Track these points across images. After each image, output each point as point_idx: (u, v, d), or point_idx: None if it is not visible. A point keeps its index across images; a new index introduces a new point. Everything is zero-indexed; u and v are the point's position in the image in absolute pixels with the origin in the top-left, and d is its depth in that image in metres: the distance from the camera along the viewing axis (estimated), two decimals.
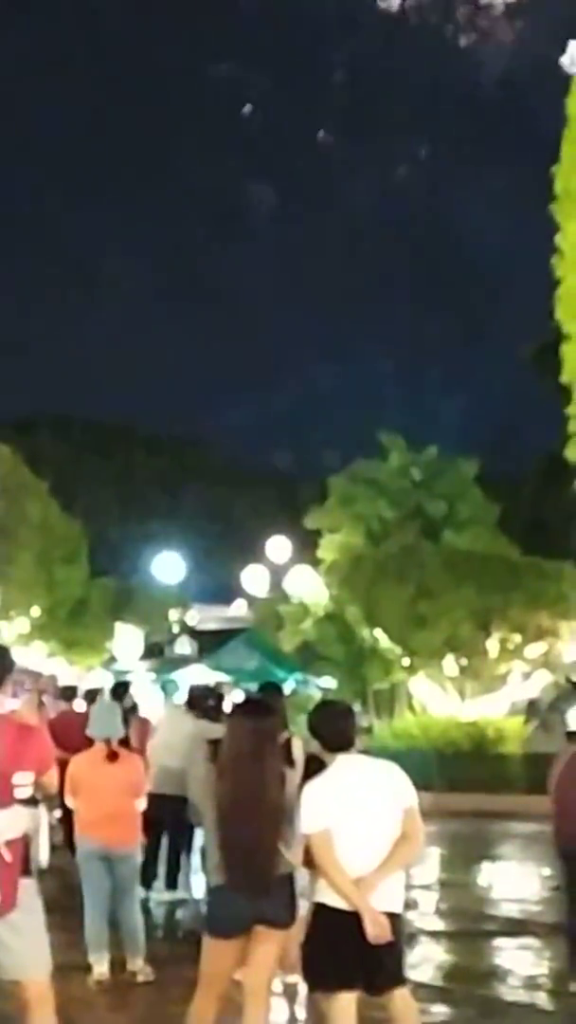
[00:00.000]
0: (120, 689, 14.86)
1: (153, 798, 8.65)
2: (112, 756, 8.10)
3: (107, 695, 13.30)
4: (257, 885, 5.31)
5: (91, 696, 15.60)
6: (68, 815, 10.15)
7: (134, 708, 14.70)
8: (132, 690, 15.97)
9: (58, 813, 11.28)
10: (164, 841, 11.23)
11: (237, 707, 6.33)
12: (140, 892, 8.61)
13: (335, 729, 5.44)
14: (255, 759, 5.40)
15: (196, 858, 11.26)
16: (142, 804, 8.34)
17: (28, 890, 5.14)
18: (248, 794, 5.33)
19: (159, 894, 11.07)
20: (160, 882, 11.24)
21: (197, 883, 11.03)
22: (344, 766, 5.30)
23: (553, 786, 8.33)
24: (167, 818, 10.58)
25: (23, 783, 5.09)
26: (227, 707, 12.93)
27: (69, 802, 8.28)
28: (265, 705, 6.15)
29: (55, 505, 36.57)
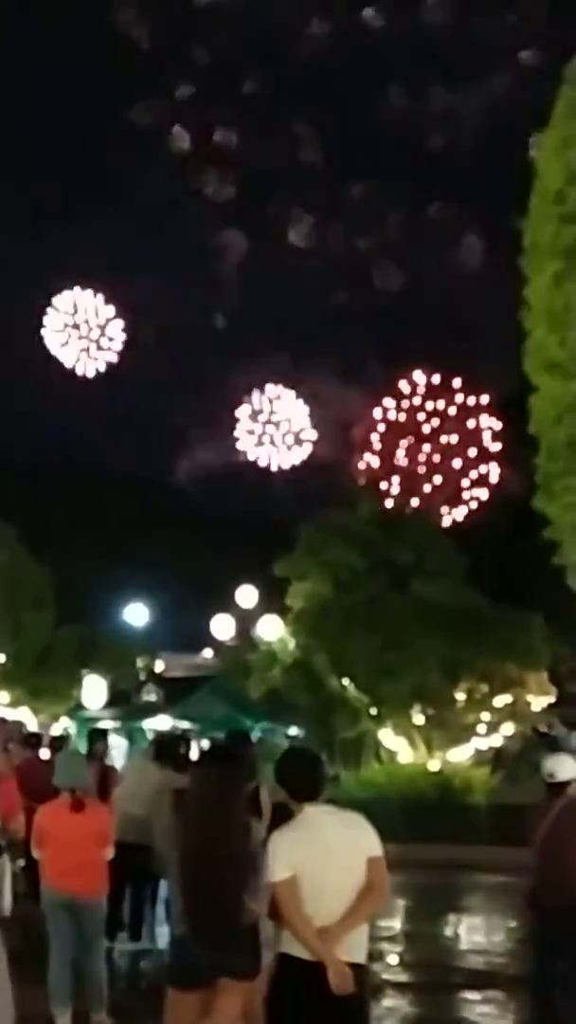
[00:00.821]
0: (97, 736, 14.77)
1: (117, 847, 8.58)
2: (77, 806, 8.02)
3: (72, 743, 13.24)
4: (221, 936, 5.28)
5: (56, 744, 15.52)
6: (33, 864, 10.09)
7: (104, 755, 14.62)
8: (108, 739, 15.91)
9: (22, 862, 11.16)
10: (128, 891, 11.14)
11: (203, 755, 6.33)
12: (104, 942, 8.52)
13: (303, 778, 5.40)
14: (220, 807, 5.38)
15: (160, 908, 11.18)
16: (109, 853, 8.28)
17: None
18: (213, 843, 5.31)
19: (123, 944, 10.97)
20: (124, 932, 11.14)
21: (161, 934, 10.95)
22: (311, 816, 5.26)
23: (537, 841, 8.26)
24: (131, 867, 10.49)
25: None
26: (193, 755, 12.91)
27: (35, 852, 8.14)
28: (231, 753, 6.14)
29: (22, 551, 36.41)
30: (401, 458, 48.49)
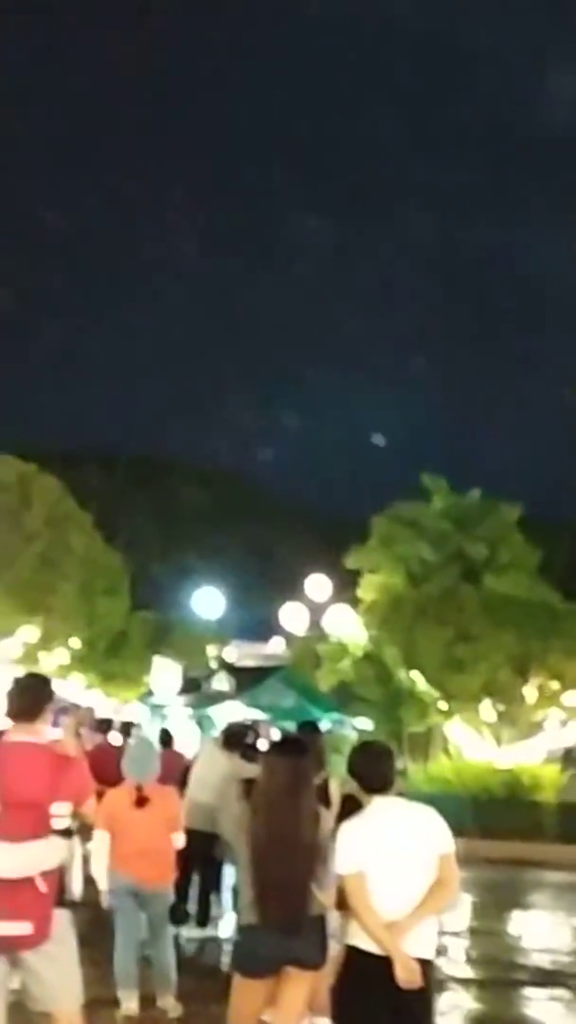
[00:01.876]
0: (166, 735, 14.90)
1: (185, 834, 8.63)
2: (141, 802, 8.05)
3: (149, 732, 13.32)
4: (289, 925, 5.30)
5: (126, 729, 15.65)
6: None
7: (168, 742, 14.75)
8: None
9: (91, 846, 11.27)
10: (195, 878, 11.22)
11: (274, 745, 6.33)
12: (171, 929, 8.58)
13: (374, 770, 5.40)
14: (291, 797, 5.39)
15: (227, 896, 11.24)
16: (179, 840, 8.31)
17: (62, 921, 5.18)
18: (283, 832, 5.33)
19: (189, 931, 11.04)
20: (191, 919, 11.21)
21: (228, 921, 11.01)
22: (382, 808, 5.27)
23: None
24: (198, 854, 10.56)
25: (60, 813, 5.14)
26: (262, 745, 12.95)
27: (99, 832, 8.00)
28: (302, 744, 6.14)
29: (98, 538, 36.72)
30: None
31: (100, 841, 7.82)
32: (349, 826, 5.27)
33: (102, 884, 7.73)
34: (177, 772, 12.26)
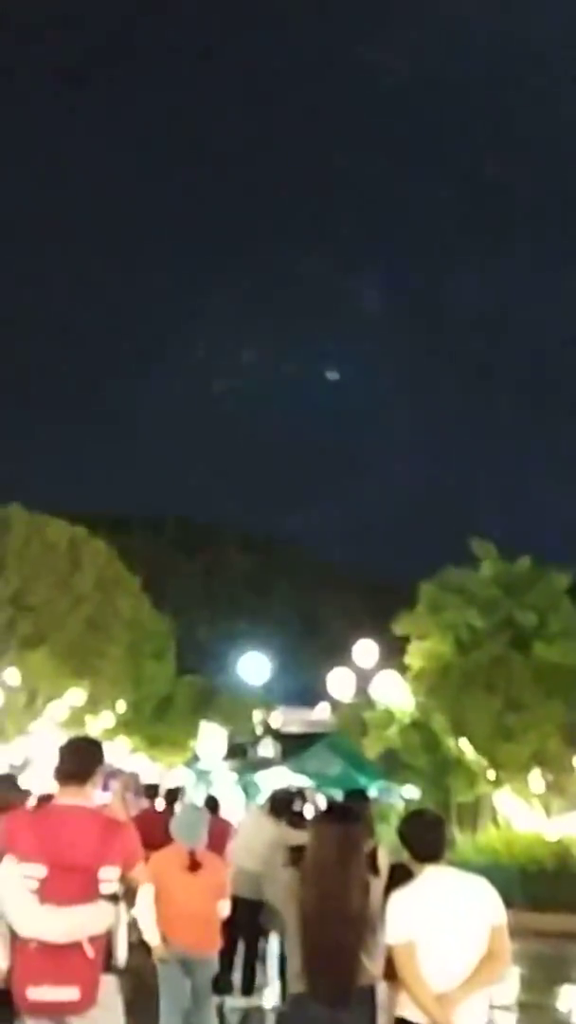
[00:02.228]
0: (212, 801, 14.82)
1: (231, 901, 8.56)
2: (194, 866, 7.99)
3: (194, 797, 13.26)
4: (338, 995, 5.23)
5: (172, 796, 15.58)
6: None
7: (215, 808, 14.67)
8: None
9: (136, 912, 11.17)
10: (240, 946, 11.11)
11: (324, 813, 6.28)
12: (214, 998, 8.49)
13: (426, 839, 5.36)
14: (340, 866, 5.35)
15: (272, 965, 11.13)
16: (225, 908, 8.24)
17: (109, 987, 5.16)
18: (332, 901, 5.29)
19: (234, 1000, 10.91)
20: (235, 988, 11.09)
21: (273, 990, 10.89)
22: (432, 878, 5.22)
23: None
24: (244, 922, 10.47)
25: (109, 878, 5.13)
26: (308, 812, 12.87)
27: (146, 886, 7.96)
28: (352, 812, 6.11)
29: (146, 601, 36.87)
30: None
31: (147, 894, 7.69)
32: (400, 895, 5.22)
33: (154, 938, 7.63)
34: (224, 839, 12.20)
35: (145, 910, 7.75)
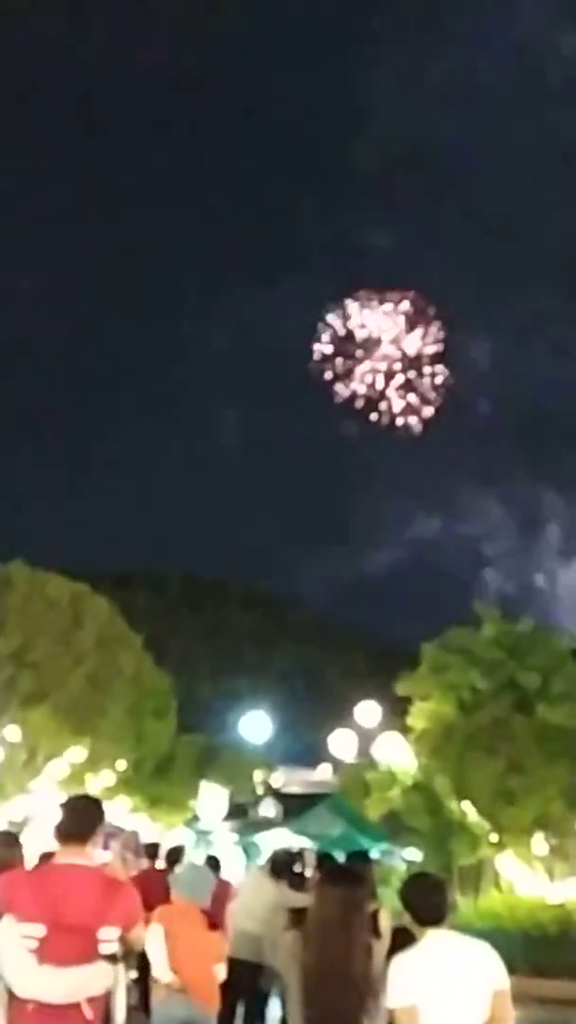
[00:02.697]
0: (213, 861, 14.71)
1: (231, 963, 8.45)
2: (213, 925, 7.89)
3: (194, 858, 13.16)
4: None
5: (173, 855, 15.44)
6: (143, 976, 10.00)
7: (215, 868, 14.56)
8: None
9: (133, 974, 11.04)
10: (239, 1009, 10.97)
11: (326, 875, 6.25)
12: None
13: (427, 902, 5.32)
14: (343, 928, 5.32)
15: None
16: (223, 971, 8.15)
17: None
18: (334, 964, 5.25)
19: None
20: None
21: None
22: (435, 941, 5.17)
23: None
24: (244, 985, 10.35)
25: (108, 938, 5.10)
26: (308, 873, 12.77)
27: (156, 925, 7.67)
28: (354, 874, 6.08)
29: (148, 659, 36.79)
30: None
31: (157, 934, 7.56)
32: (402, 959, 5.17)
33: (165, 974, 7.51)
34: (224, 900, 12.10)
35: (156, 947, 7.62)
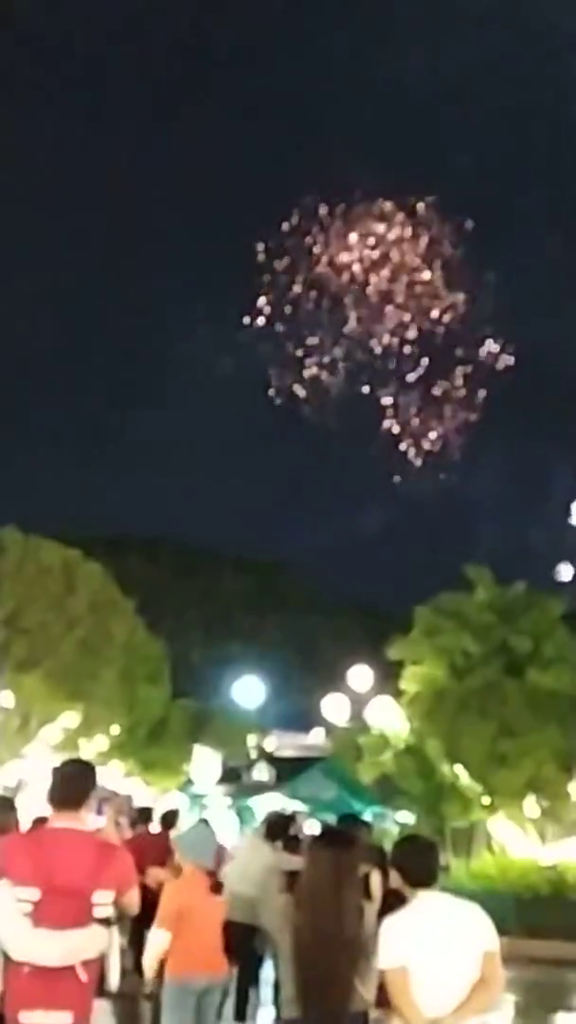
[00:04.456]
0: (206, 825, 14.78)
1: (226, 926, 8.49)
2: (216, 887, 7.88)
3: (188, 822, 13.19)
4: (331, 1020, 5.20)
5: (168, 819, 15.52)
6: (138, 940, 10.05)
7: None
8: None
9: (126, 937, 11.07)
10: (234, 971, 11.04)
11: (318, 837, 6.26)
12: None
13: (418, 864, 5.34)
14: (335, 891, 5.33)
15: (266, 990, 11.07)
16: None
17: (102, 1012, 5.15)
18: (326, 926, 5.26)
19: None
20: (228, 1012, 11.01)
21: (266, 1015, 10.83)
22: (426, 903, 5.20)
23: None
24: (238, 947, 10.41)
25: (102, 902, 5.12)
26: (302, 836, 12.82)
27: (165, 931, 7.60)
28: (347, 837, 6.09)
29: (140, 625, 36.83)
30: None
31: (159, 940, 7.52)
32: (393, 920, 5.20)
33: (151, 973, 7.55)
34: (220, 863, 12.16)
35: (154, 949, 7.61)
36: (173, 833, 12.42)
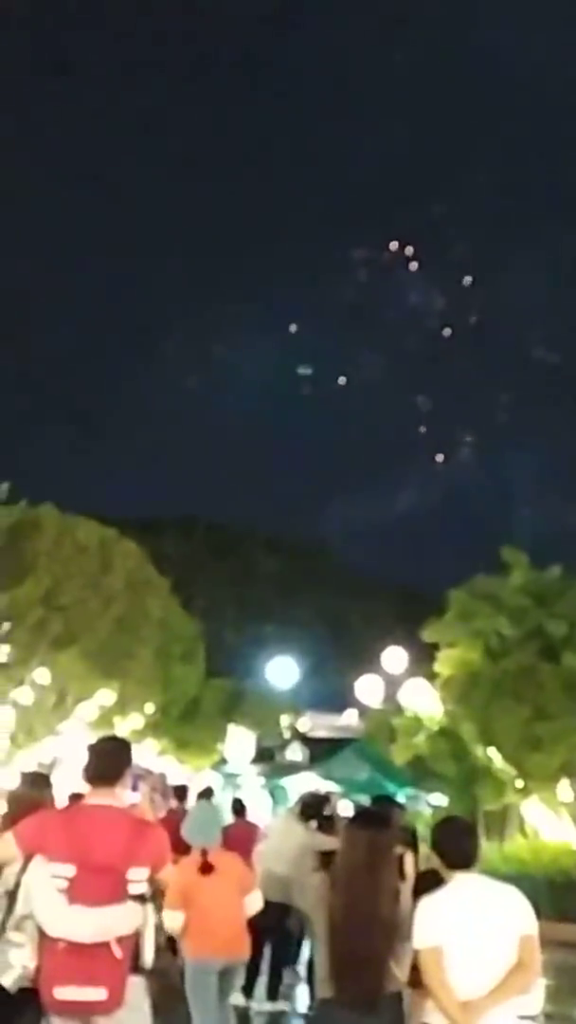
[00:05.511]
0: (239, 804, 14.86)
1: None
2: (206, 868, 7.88)
3: (222, 800, 13.24)
4: (365, 1001, 5.18)
5: (204, 797, 15.58)
6: None
7: (241, 811, 14.67)
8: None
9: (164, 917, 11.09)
10: (267, 950, 11.07)
11: (354, 818, 6.25)
12: (240, 1000, 8.44)
13: (456, 846, 5.33)
14: (370, 871, 5.32)
15: (301, 969, 11.09)
16: (254, 903, 8.12)
17: (136, 988, 5.15)
18: (362, 907, 5.25)
19: (260, 1004, 10.88)
20: (262, 991, 11.05)
21: (300, 995, 10.86)
22: (463, 884, 5.18)
23: None
24: (271, 926, 10.44)
25: (137, 879, 5.13)
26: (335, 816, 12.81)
27: (173, 913, 7.62)
28: (382, 817, 6.08)
29: (176, 603, 36.92)
30: None
31: (171, 920, 7.56)
32: (429, 900, 5.19)
33: (149, 956, 7.61)
34: (250, 842, 12.19)
35: (170, 928, 7.64)
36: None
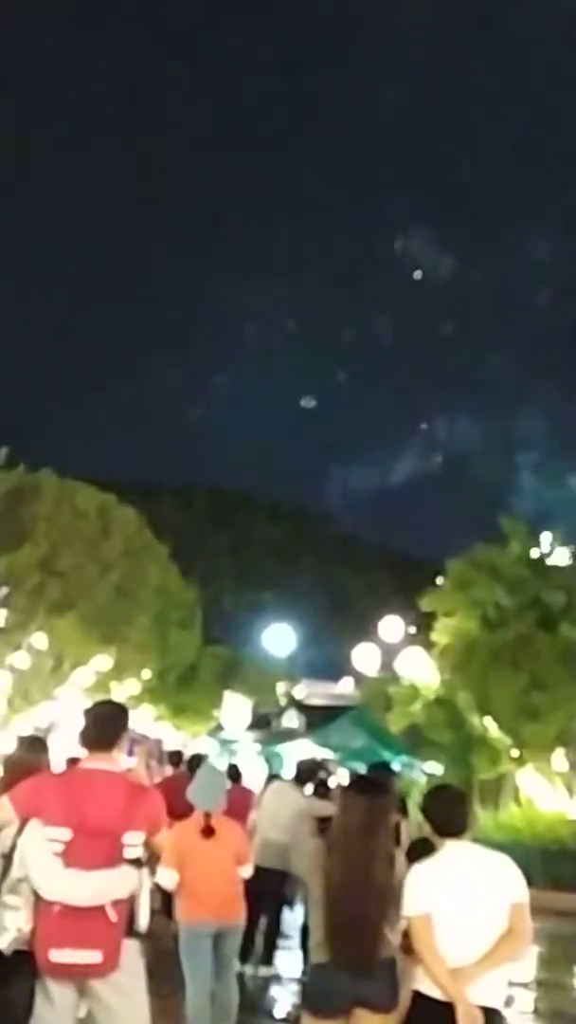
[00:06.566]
0: (234, 770, 14.87)
1: (255, 871, 8.52)
2: (208, 831, 7.91)
3: (218, 766, 13.25)
4: (361, 965, 5.20)
5: (196, 763, 15.61)
6: None
7: (237, 777, 14.70)
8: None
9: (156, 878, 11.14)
10: (263, 916, 11.11)
11: (351, 784, 6.25)
12: (236, 966, 8.48)
13: (449, 814, 5.33)
14: (367, 837, 5.33)
15: (296, 935, 11.15)
16: (247, 871, 8.19)
17: (131, 951, 5.17)
18: (357, 872, 5.26)
19: (255, 969, 10.94)
20: (257, 957, 11.11)
21: (295, 960, 10.91)
22: (454, 852, 5.19)
23: None
24: (268, 892, 10.48)
25: (133, 843, 5.14)
26: (333, 783, 12.86)
27: (169, 874, 7.67)
28: (379, 783, 6.09)
29: (174, 570, 36.92)
30: None
31: (165, 878, 7.61)
32: (420, 867, 5.20)
33: (144, 919, 7.66)
34: (245, 808, 12.22)
35: (163, 886, 7.67)
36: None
